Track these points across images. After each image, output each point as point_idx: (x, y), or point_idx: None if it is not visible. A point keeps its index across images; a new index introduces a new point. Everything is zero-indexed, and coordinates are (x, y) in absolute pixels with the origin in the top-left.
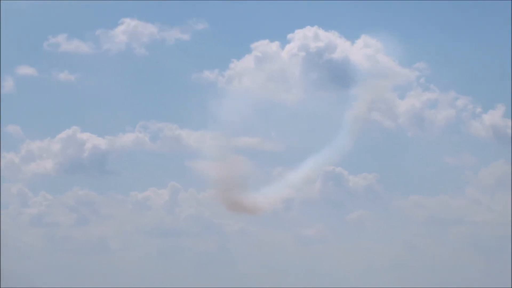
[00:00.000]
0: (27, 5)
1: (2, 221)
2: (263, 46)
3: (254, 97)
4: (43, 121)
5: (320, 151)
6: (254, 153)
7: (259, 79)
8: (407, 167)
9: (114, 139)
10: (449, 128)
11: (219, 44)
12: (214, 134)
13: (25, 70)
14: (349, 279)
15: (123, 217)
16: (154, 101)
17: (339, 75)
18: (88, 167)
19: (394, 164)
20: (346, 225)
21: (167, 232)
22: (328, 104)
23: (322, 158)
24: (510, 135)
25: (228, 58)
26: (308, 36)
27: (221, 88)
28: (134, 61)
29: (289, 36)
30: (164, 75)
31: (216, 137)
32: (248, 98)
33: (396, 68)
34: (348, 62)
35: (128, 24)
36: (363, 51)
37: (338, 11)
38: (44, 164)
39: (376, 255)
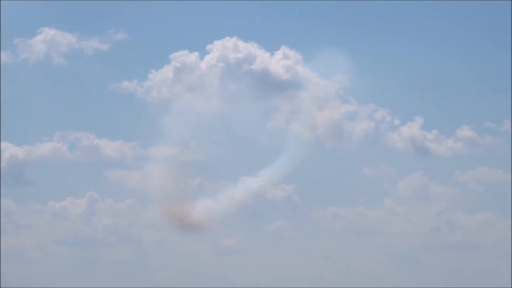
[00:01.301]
0: None
1: None
2: (182, 56)
3: (173, 108)
4: None
5: (247, 162)
6: (173, 163)
7: (178, 89)
8: (326, 179)
9: (32, 148)
10: (368, 140)
11: (138, 54)
12: (132, 144)
13: None
14: None
15: (41, 227)
16: (72, 111)
17: (258, 86)
18: (5, 177)
19: (313, 175)
20: (265, 236)
21: (85, 242)
22: (247, 115)
23: (270, 173)
24: (428, 147)
25: (147, 68)
26: (228, 47)
27: (140, 99)
28: (53, 71)
29: (208, 47)
30: (83, 85)
31: (134, 147)
32: (167, 108)
33: (316, 79)
34: (267, 73)
35: (47, 33)
36: (283, 62)
37: (258, 23)
38: None
39: (294, 266)
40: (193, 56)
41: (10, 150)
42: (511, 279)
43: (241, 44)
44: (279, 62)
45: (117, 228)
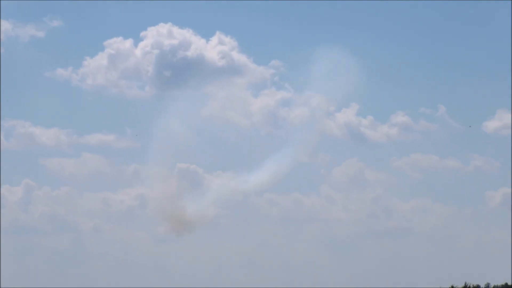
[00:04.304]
0: None
1: None
2: (116, 43)
3: (107, 95)
4: None
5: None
6: (108, 150)
7: (112, 76)
8: (261, 165)
9: None
10: (303, 126)
11: (73, 41)
12: (68, 131)
13: None
14: (202, 277)
15: None
16: (7, 99)
17: (193, 73)
18: None
19: (248, 162)
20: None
21: (21, 230)
22: (182, 102)
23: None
24: (363, 133)
25: (81, 55)
26: (162, 33)
27: (75, 86)
28: None
29: (142, 33)
30: (18, 72)
31: (70, 134)
32: (102, 95)
33: (251, 65)
34: (202, 59)
35: None
36: (218, 48)
37: (193, 8)
38: None
39: (229, 253)
40: (128, 43)
41: None
42: (445, 264)
43: (175, 30)
44: (215, 48)
45: (54, 215)
